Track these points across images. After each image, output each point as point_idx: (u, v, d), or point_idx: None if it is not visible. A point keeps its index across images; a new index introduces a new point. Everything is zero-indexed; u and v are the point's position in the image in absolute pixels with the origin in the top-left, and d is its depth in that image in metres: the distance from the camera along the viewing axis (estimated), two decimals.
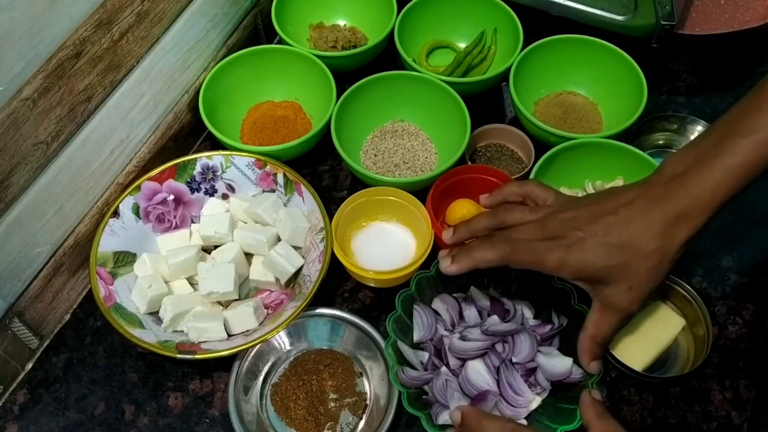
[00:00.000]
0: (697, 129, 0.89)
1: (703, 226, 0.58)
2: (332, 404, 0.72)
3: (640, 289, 0.59)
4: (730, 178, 0.57)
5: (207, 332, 0.72)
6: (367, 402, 0.72)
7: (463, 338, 0.68)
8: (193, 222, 0.83)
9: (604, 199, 0.61)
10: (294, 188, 0.81)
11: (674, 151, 0.90)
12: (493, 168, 0.82)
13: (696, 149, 0.59)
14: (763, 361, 0.75)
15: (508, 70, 0.88)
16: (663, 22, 0.88)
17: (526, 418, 0.66)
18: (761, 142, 0.56)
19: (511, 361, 0.67)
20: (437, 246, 0.77)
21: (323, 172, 0.90)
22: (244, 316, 0.73)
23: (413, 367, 0.69)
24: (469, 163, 0.85)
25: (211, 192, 0.84)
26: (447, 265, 0.64)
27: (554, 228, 0.61)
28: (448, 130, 0.87)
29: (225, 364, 0.73)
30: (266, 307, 0.77)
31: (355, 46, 0.98)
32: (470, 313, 0.71)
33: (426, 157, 0.89)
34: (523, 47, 0.90)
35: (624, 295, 0.59)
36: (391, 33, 0.93)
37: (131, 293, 0.75)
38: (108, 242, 0.76)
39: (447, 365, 0.68)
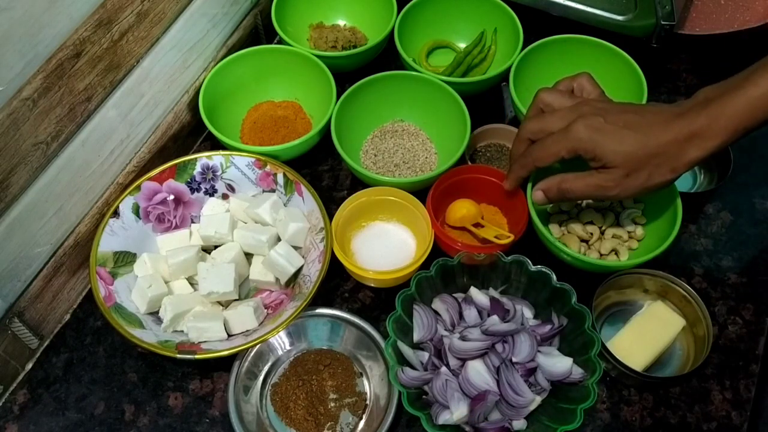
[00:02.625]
0: None
1: (713, 149, 0.63)
2: (332, 404, 0.72)
3: (634, 179, 0.65)
4: (749, 108, 0.62)
5: (207, 332, 0.72)
6: (367, 402, 0.72)
7: (463, 338, 0.68)
8: (193, 222, 0.83)
9: (636, 105, 0.69)
10: (294, 188, 0.81)
11: None
12: (493, 168, 0.82)
13: (729, 81, 0.64)
14: (763, 361, 0.75)
15: (508, 70, 0.88)
16: (663, 22, 0.87)
17: (526, 418, 0.66)
18: None
19: (511, 361, 0.67)
20: (437, 246, 0.77)
21: (323, 172, 0.90)
22: (244, 316, 0.73)
23: (413, 367, 0.69)
24: (469, 163, 0.85)
25: (211, 192, 0.84)
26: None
27: (584, 111, 0.68)
28: (448, 130, 0.87)
29: (225, 364, 0.73)
30: (266, 307, 0.77)
31: (355, 46, 0.98)
32: (470, 313, 0.71)
33: (426, 157, 0.89)
34: (523, 47, 0.90)
35: (617, 178, 0.66)
36: (391, 33, 0.93)
37: (131, 293, 0.75)
38: (108, 242, 0.76)
39: (447, 365, 0.68)
